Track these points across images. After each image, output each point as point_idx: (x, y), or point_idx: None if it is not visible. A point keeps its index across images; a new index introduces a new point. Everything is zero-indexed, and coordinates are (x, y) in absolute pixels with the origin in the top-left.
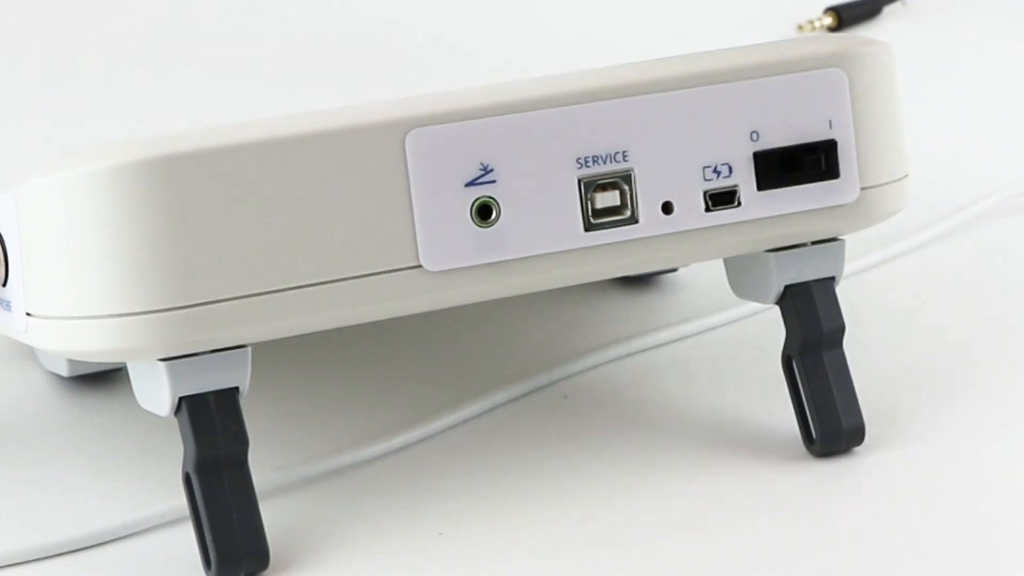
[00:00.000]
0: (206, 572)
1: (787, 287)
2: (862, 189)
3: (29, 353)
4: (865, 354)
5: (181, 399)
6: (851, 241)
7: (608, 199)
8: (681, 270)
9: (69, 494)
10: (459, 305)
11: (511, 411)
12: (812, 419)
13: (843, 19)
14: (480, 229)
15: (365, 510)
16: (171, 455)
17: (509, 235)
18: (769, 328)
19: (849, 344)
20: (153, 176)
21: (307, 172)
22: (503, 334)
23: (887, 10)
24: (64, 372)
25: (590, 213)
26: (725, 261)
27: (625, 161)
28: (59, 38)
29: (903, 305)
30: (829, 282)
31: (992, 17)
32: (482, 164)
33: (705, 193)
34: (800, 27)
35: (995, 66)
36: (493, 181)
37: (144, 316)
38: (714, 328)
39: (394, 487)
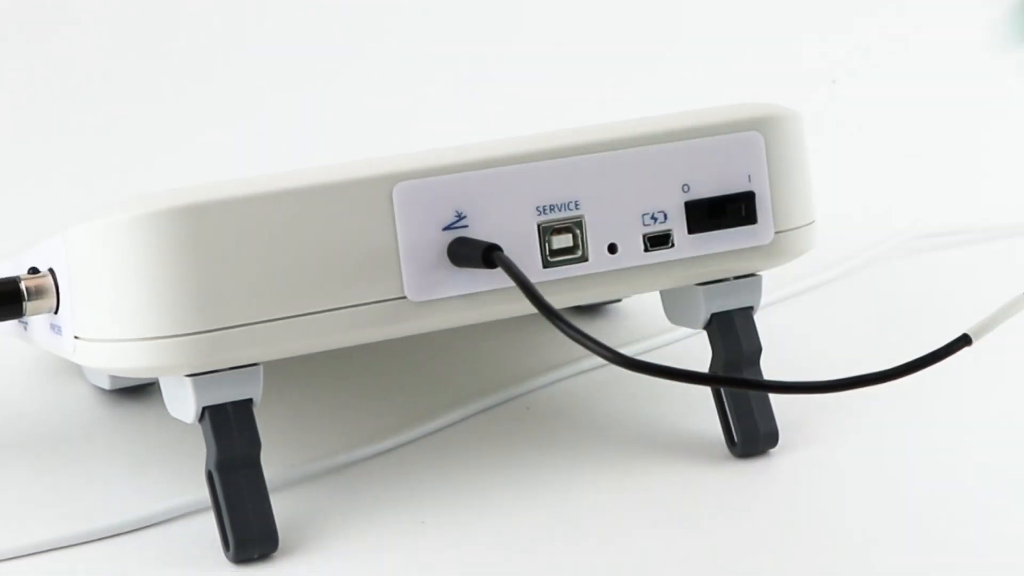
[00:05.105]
0: (225, 553)
1: (713, 315)
2: (776, 233)
3: (77, 370)
4: (779, 371)
5: (204, 408)
6: (767, 276)
7: (563, 241)
8: (624, 300)
9: (110, 488)
10: (438, 330)
11: (482, 420)
12: (734, 425)
13: None
14: (456, 266)
15: (360, 501)
16: (195, 455)
17: (480, 271)
18: (698, 350)
19: (765, 363)
20: (181, 222)
21: (310, 218)
22: (475, 354)
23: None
24: (106, 386)
25: (547, 252)
26: (661, 293)
27: (577, 209)
28: (97, 106)
29: (812, 330)
30: (748, 311)
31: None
32: (457, 212)
33: (644, 236)
34: None
35: (893, 134)
36: (466, 226)
37: (174, 339)
38: (652, 350)
39: (384, 482)
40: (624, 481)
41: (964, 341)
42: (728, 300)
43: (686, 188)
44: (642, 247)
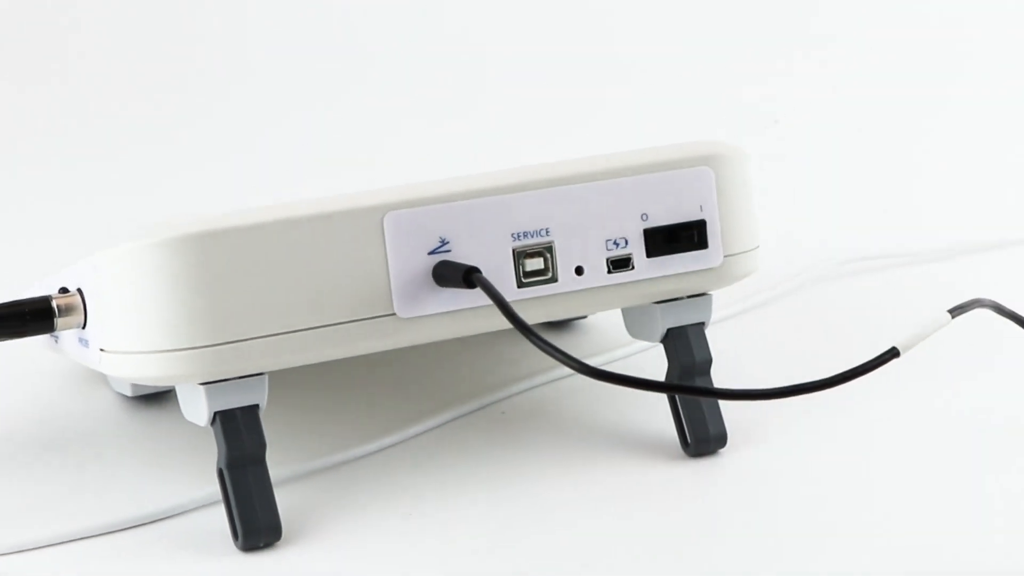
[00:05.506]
0: (234, 542)
1: (669, 329)
2: (725, 256)
3: (102, 379)
4: (727, 380)
5: (216, 413)
6: (717, 295)
7: (535, 264)
8: (590, 317)
9: (132, 484)
10: (424, 343)
11: (462, 423)
12: (687, 428)
13: None
14: (440, 286)
15: (355, 495)
16: (208, 455)
17: (461, 291)
18: (655, 361)
19: (715, 372)
20: (194, 247)
21: (310, 243)
22: (457, 364)
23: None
24: (129, 393)
25: (521, 274)
26: (622, 310)
27: (547, 236)
28: (121, 148)
29: (757, 343)
30: (700, 326)
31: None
32: (441, 238)
33: (607, 259)
34: None
35: (831, 167)
36: (449, 251)
37: (188, 351)
38: (614, 361)
39: (374, 479)
40: (589, 477)
41: (892, 353)
42: (682, 316)
43: (645, 217)
44: (606, 269)
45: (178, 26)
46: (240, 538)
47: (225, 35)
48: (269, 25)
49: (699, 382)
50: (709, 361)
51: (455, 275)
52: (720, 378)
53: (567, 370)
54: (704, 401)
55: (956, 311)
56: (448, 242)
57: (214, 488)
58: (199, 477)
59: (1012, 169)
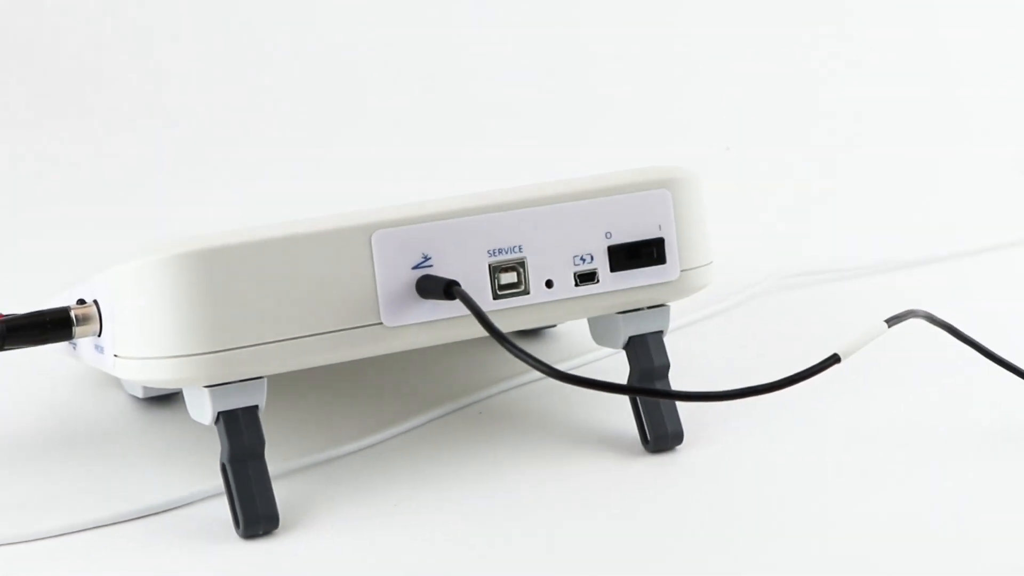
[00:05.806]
0: (236, 531)
1: (630, 337)
2: (681, 271)
3: (116, 382)
4: (684, 383)
5: (219, 413)
6: (674, 306)
7: (509, 278)
8: (559, 325)
9: (143, 477)
10: (408, 349)
11: (443, 422)
12: (647, 426)
13: None
14: (422, 298)
15: (345, 488)
16: (211, 451)
17: (442, 302)
18: (618, 365)
19: (673, 376)
20: (199, 263)
21: (304, 259)
22: (438, 369)
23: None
24: (140, 395)
25: (496, 287)
26: (588, 319)
27: (520, 252)
28: (132, 174)
29: (711, 350)
30: (659, 334)
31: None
32: (424, 254)
33: (575, 274)
34: None
35: (781, 189)
36: (431, 266)
37: (194, 357)
38: (581, 365)
39: (364, 472)
40: (558, 471)
41: (834, 359)
42: (643, 325)
43: (609, 235)
44: (573, 283)
45: (184, 50)
46: (241, 527)
47: (228, 58)
48: (270, 46)
49: (658, 385)
50: (667, 366)
51: (437, 288)
52: (677, 381)
53: (538, 374)
54: (662, 402)
55: (893, 321)
56: (430, 258)
57: (217, 481)
58: (204, 472)
59: (943, 183)
